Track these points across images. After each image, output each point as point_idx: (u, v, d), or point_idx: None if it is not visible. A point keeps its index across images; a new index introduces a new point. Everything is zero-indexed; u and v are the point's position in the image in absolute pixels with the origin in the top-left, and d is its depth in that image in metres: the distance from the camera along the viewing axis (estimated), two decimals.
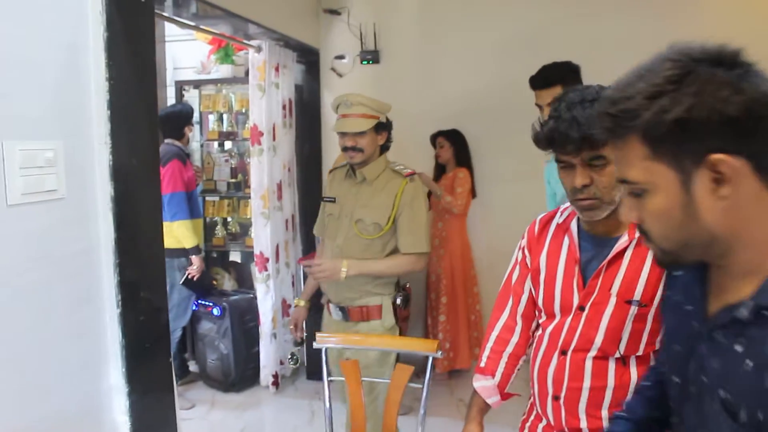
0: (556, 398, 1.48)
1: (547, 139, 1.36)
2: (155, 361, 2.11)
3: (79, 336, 1.81)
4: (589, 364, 1.43)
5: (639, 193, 0.89)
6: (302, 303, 2.85)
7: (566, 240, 1.49)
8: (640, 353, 1.41)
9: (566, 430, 1.49)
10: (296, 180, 4.51)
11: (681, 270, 1.02)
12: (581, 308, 1.43)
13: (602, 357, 1.42)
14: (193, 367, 4.52)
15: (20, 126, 1.57)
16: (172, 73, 4.96)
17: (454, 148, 4.27)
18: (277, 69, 3.99)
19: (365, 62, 4.61)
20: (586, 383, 1.43)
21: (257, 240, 4.02)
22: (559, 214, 1.58)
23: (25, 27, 1.58)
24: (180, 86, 4.68)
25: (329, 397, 2.04)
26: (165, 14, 3.24)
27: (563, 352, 1.46)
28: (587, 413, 1.45)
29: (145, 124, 2.02)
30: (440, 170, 4.41)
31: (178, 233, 3.78)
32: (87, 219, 1.82)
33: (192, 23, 3.57)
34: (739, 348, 0.86)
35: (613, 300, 1.39)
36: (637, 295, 1.37)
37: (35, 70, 1.62)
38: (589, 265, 1.44)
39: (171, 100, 4.75)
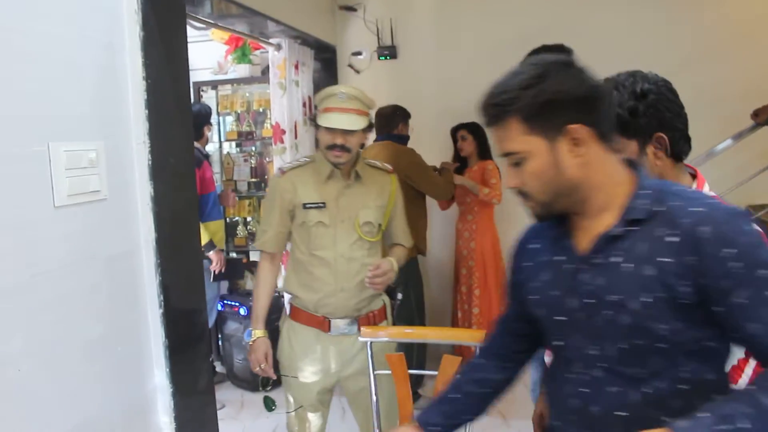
0: None
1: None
2: (196, 360, 2.11)
3: (125, 337, 1.80)
4: None
5: (519, 162, 1.17)
6: (261, 332, 2.40)
7: None
8: None
9: None
10: None
11: (552, 220, 1.27)
12: None
13: None
14: (219, 368, 4.52)
15: (64, 127, 1.56)
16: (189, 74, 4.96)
17: (476, 141, 4.22)
18: (296, 66, 3.98)
19: (382, 58, 4.59)
20: None
21: None
22: None
23: (63, 27, 1.57)
24: (198, 87, 4.68)
25: (375, 392, 2.03)
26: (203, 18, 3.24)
27: None
28: None
29: (180, 123, 2.02)
30: (462, 164, 4.35)
31: None
32: (128, 220, 1.82)
33: (210, 21, 3.56)
34: (617, 259, 1.16)
35: None
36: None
37: (75, 70, 1.62)
38: None
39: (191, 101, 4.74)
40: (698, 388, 1.15)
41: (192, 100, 4.72)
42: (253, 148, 4.90)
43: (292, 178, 2.34)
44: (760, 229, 1.13)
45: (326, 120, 2.23)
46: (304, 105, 4.13)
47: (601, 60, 2.33)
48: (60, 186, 1.52)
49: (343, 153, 2.23)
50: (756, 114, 3.39)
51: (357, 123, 2.24)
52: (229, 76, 4.72)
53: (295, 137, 3.99)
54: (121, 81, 1.79)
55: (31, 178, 1.46)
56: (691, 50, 4.14)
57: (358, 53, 4.68)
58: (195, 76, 4.96)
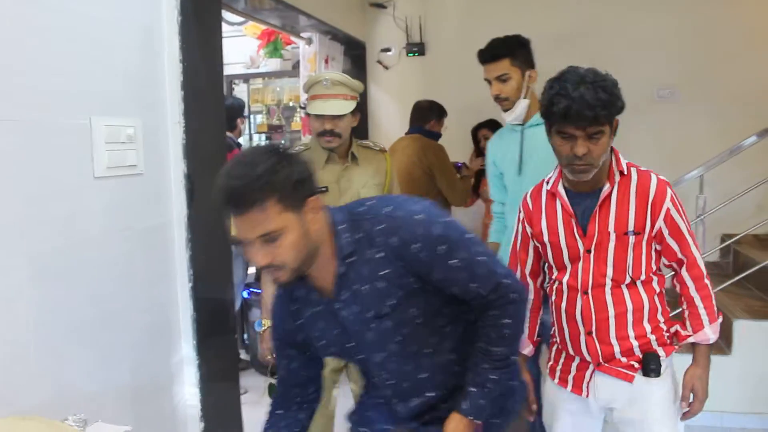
0: (589, 333, 1.70)
1: (562, 115, 1.57)
2: (223, 335, 2.19)
3: (155, 308, 1.89)
4: (608, 295, 1.68)
5: (274, 239, 1.26)
6: (270, 322, 2.52)
7: (558, 202, 1.74)
8: (643, 277, 1.69)
9: (602, 359, 1.70)
10: None
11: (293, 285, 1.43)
12: (588, 251, 1.69)
13: (616, 286, 1.68)
14: (243, 355, 4.60)
15: (105, 103, 1.65)
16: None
17: None
18: (326, 61, 4.06)
19: (411, 54, 4.65)
20: (611, 311, 1.68)
21: None
22: (545, 184, 1.80)
23: (105, 10, 1.66)
24: (230, 81, 4.79)
25: None
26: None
27: (585, 292, 1.70)
28: (617, 338, 1.69)
29: (214, 106, 2.10)
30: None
31: None
32: (162, 195, 1.90)
33: (244, 14, 3.65)
34: (356, 287, 1.39)
35: (612, 236, 1.66)
36: (630, 226, 1.65)
37: (115, 50, 1.70)
38: (583, 215, 1.70)
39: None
40: (459, 325, 1.50)
41: (224, 93, 4.84)
42: (283, 141, 5.00)
43: None
44: (426, 210, 1.39)
45: (314, 107, 2.29)
46: None
47: (631, 56, 2.36)
48: (100, 158, 1.61)
49: (334, 138, 2.29)
50: None
51: (343, 107, 2.29)
52: (261, 70, 4.82)
53: None
54: (158, 63, 1.88)
55: (73, 149, 1.55)
56: (721, 48, 4.15)
57: (387, 50, 4.75)
58: (227, 70, 5.07)
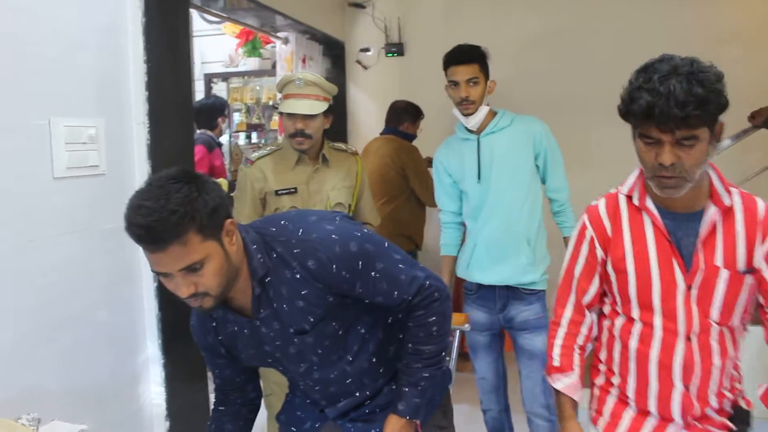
0: (686, 387, 1.41)
1: (644, 113, 1.27)
2: (189, 334, 2.19)
3: (119, 308, 1.89)
4: (714, 342, 1.40)
5: (198, 268, 1.23)
6: None
7: (647, 220, 1.43)
8: (737, 321, 1.42)
9: (693, 417, 1.44)
10: None
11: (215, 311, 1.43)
12: (689, 288, 1.38)
13: (721, 331, 1.40)
14: None
15: (65, 103, 1.66)
16: (200, 67, 5.07)
17: None
18: (303, 61, 4.06)
19: (390, 54, 4.65)
20: (716, 362, 1.40)
21: None
22: (623, 197, 1.49)
23: (68, 9, 1.67)
24: (209, 79, 4.79)
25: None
26: (196, 3, 3.33)
27: (688, 338, 1.40)
28: (717, 393, 1.43)
29: (180, 107, 2.11)
30: None
31: None
32: (126, 195, 1.87)
33: (222, 15, 3.65)
34: (275, 305, 1.39)
35: (724, 273, 1.37)
36: (741, 261, 1.36)
37: (78, 50, 1.71)
38: (681, 242, 1.39)
39: (200, 93, 4.86)
40: (378, 329, 1.54)
41: (204, 93, 4.84)
42: (263, 140, 5.00)
43: (261, 167, 2.37)
44: (340, 228, 1.40)
45: (286, 105, 2.27)
46: None
47: (614, 57, 2.38)
48: (59, 159, 1.61)
49: (305, 140, 2.27)
50: (752, 116, 3.41)
51: (315, 108, 2.27)
52: (240, 69, 4.82)
53: None
54: (122, 63, 1.88)
55: (32, 150, 1.55)
56: (697, 49, 4.18)
57: (366, 50, 4.75)
58: (207, 69, 5.08)
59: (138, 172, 1.94)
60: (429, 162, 4.09)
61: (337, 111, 4.79)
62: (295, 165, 2.34)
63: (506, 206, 2.36)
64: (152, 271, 1.25)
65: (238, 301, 1.41)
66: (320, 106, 2.27)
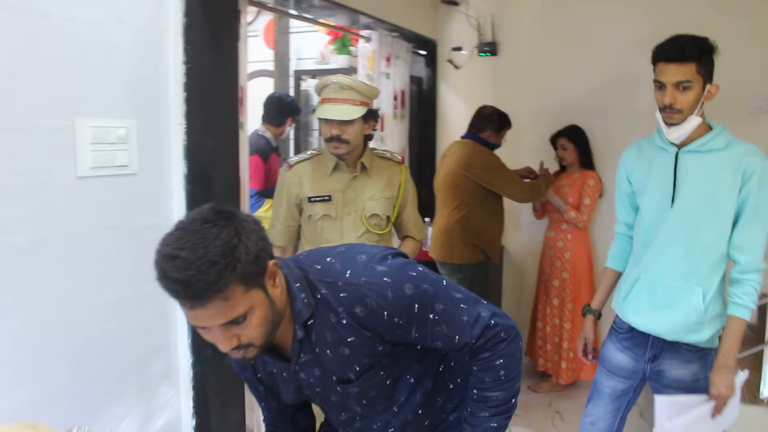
0: None
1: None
2: None
3: (143, 304, 1.91)
4: None
5: (241, 321, 1.13)
6: None
7: None
8: None
9: None
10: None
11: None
12: None
13: None
14: None
15: (93, 105, 1.69)
16: (295, 63, 5.15)
17: (578, 148, 3.99)
18: (388, 59, 4.01)
19: (482, 54, 4.50)
20: None
21: None
22: None
23: (101, 12, 1.69)
24: (298, 76, 4.85)
25: None
26: (272, 5, 3.36)
27: None
28: None
29: (223, 107, 2.11)
30: (561, 168, 4.14)
31: None
32: (160, 195, 1.93)
33: (307, 16, 3.67)
34: (317, 350, 1.30)
35: None
36: None
37: (112, 52, 1.73)
38: None
39: (292, 89, 4.93)
40: (428, 380, 1.45)
41: (294, 89, 4.90)
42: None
43: (299, 172, 2.33)
44: (393, 268, 1.27)
45: (321, 111, 2.21)
46: (395, 98, 4.16)
47: (720, 62, 2.10)
48: (83, 158, 1.64)
49: (341, 144, 2.20)
50: None
51: (351, 113, 2.18)
52: (330, 66, 4.84)
53: (382, 129, 4.03)
54: (161, 65, 1.90)
55: (56, 150, 1.59)
56: None
57: (459, 48, 4.63)
58: (300, 65, 5.15)
59: (174, 172, 1.96)
60: (528, 171, 3.92)
61: (427, 111, 4.74)
62: (332, 171, 2.28)
63: (689, 247, 1.99)
64: (188, 323, 1.17)
65: (276, 342, 1.31)
66: (357, 111, 2.20)
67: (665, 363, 2.08)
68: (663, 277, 2.04)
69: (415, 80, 4.62)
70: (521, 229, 4.56)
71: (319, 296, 1.27)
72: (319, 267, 1.29)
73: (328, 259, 1.30)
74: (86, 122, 1.64)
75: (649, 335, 2.09)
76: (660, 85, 1.97)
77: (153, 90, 1.88)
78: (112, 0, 1.72)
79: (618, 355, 2.17)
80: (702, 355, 2.05)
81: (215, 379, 2.12)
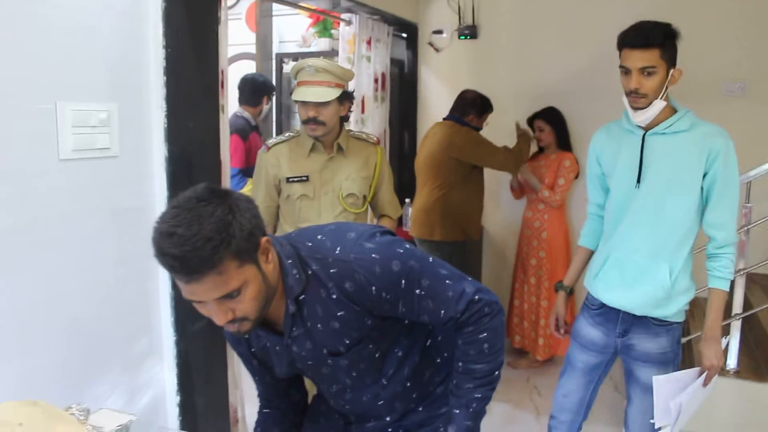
0: None
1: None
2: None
3: (129, 284, 1.96)
4: None
5: (235, 295, 1.18)
6: None
7: None
8: None
9: None
10: (388, 152, 4.57)
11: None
12: None
13: None
14: None
15: (75, 89, 1.72)
16: (277, 46, 5.16)
17: (554, 130, 4.07)
18: (368, 42, 4.04)
19: (462, 37, 4.54)
20: None
21: None
22: None
23: None
24: (280, 59, 4.86)
25: None
26: None
27: None
28: None
29: (203, 91, 2.14)
30: (539, 150, 4.21)
31: None
32: (141, 177, 1.97)
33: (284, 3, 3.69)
34: (309, 324, 1.36)
35: None
36: None
37: (93, 37, 1.76)
38: None
39: (274, 72, 4.95)
40: (415, 353, 1.51)
41: (275, 72, 4.91)
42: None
43: (277, 153, 2.40)
44: (381, 245, 1.33)
45: (297, 93, 2.28)
46: (375, 81, 4.19)
47: (694, 48, 2.12)
48: (65, 141, 1.68)
49: (318, 126, 2.27)
50: None
51: (326, 95, 2.25)
52: (312, 49, 4.85)
53: (362, 111, 4.07)
54: (142, 49, 1.93)
55: (38, 134, 1.63)
56: None
57: (439, 32, 4.67)
58: (283, 48, 5.16)
59: (155, 155, 2.00)
60: (505, 149, 3.97)
61: (408, 94, 4.79)
62: (309, 152, 2.34)
63: (655, 225, 2.07)
64: (184, 297, 1.20)
65: (269, 316, 1.36)
66: (332, 93, 2.26)
67: (635, 337, 2.15)
68: (631, 255, 2.12)
69: (396, 63, 4.66)
70: (501, 208, 4.63)
71: (310, 272, 1.32)
72: (310, 244, 1.34)
73: (319, 237, 1.35)
74: (68, 106, 1.68)
75: (619, 311, 2.17)
76: (625, 71, 2.03)
77: (134, 74, 1.91)
78: None
79: (590, 330, 2.25)
80: (669, 329, 2.13)
81: (198, 357, 2.17)
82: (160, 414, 2.08)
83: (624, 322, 2.17)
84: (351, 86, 3.95)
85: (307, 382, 1.70)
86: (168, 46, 1.96)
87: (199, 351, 2.18)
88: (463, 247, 3.65)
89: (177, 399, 2.12)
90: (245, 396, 2.60)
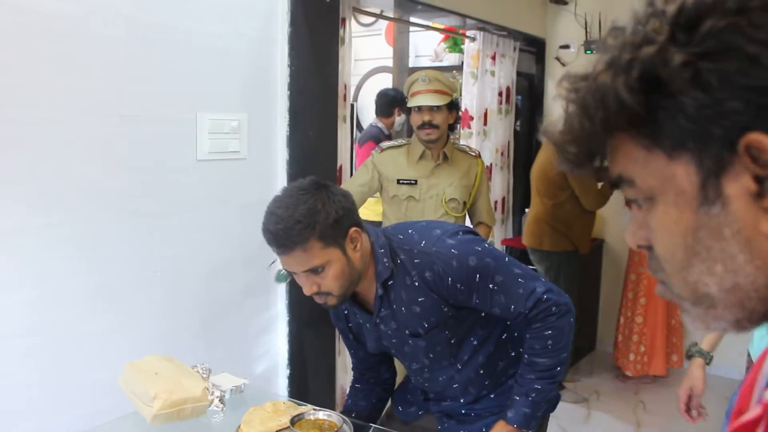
0: None
1: None
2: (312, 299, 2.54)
3: (250, 268, 2.29)
4: None
5: (319, 271, 1.40)
6: None
7: None
8: None
9: None
10: (512, 164, 4.68)
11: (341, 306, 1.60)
12: None
13: None
14: None
15: (212, 101, 2.07)
16: (413, 60, 5.44)
17: None
18: (493, 57, 4.20)
19: (589, 51, 4.56)
20: None
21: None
22: None
23: (220, 26, 2.07)
24: (409, 73, 5.12)
25: None
26: (375, 12, 3.67)
27: None
28: None
29: (322, 104, 2.45)
30: None
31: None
32: (265, 177, 2.30)
33: (417, 20, 3.95)
34: (395, 307, 1.53)
35: None
36: None
37: (229, 58, 2.11)
38: None
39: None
40: (490, 343, 1.64)
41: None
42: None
43: (389, 156, 2.67)
44: (461, 242, 1.49)
45: (413, 101, 2.54)
46: (500, 94, 4.35)
47: None
48: (202, 145, 2.03)
49: (433, 130, 2.51)
50: None
51: (440, 100, 2.51)
52: (443, 63, 5.08)
53: (484, 124, 4.24)
54: (269, 68, 2.26)
55: (180, 137, 1.99)
56: None
57: (566, 46, 4.73)
58: (418, 62, 5.43)
59: (278, 158, 2.32)
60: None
61: (535, 107, 4.88)
62: (418, 159, 2.59)
63: None
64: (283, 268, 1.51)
65: (362, 297, 1.58)
66: (444, 99, 2.53)
67: None
68: None
69: (524, 76, 4.78)
70: (621, 219, 4.60)
71: (398, 261, 1.51)
72: (401, 237, 1.54)
73: (410, 231, 1.55)
74: (206, 115, 2.03)
75: None
76: None
77: (262, 89, 2.24)
78: (231, 16, 2.09)
79: None
80: None
81: (308, 337, 2.47)
82: (272, 382, 2.40)
83: None
84: (472, 98, 4.17)
85: (397, 365, 1.90)
86: (292, 65, 2.27)
87: (309, 331, 2.47)
88: (572, 257, 3.69)
89: (287, 372, 2.43)
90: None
